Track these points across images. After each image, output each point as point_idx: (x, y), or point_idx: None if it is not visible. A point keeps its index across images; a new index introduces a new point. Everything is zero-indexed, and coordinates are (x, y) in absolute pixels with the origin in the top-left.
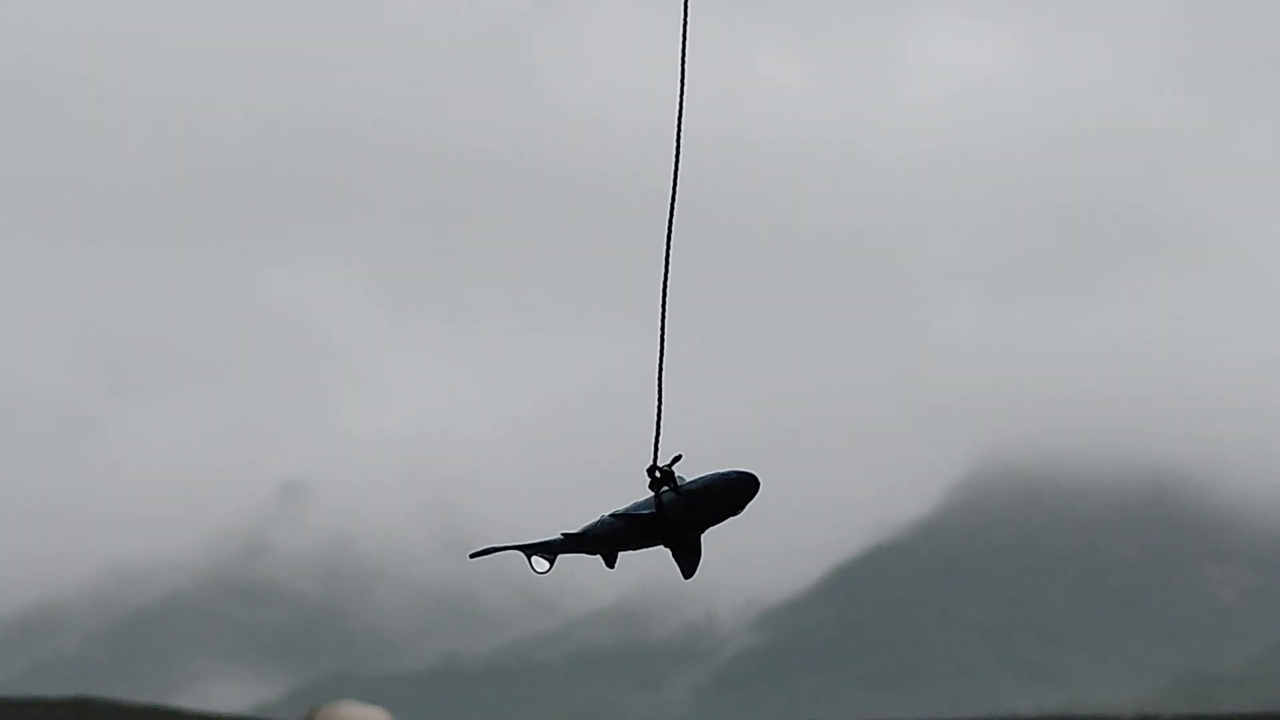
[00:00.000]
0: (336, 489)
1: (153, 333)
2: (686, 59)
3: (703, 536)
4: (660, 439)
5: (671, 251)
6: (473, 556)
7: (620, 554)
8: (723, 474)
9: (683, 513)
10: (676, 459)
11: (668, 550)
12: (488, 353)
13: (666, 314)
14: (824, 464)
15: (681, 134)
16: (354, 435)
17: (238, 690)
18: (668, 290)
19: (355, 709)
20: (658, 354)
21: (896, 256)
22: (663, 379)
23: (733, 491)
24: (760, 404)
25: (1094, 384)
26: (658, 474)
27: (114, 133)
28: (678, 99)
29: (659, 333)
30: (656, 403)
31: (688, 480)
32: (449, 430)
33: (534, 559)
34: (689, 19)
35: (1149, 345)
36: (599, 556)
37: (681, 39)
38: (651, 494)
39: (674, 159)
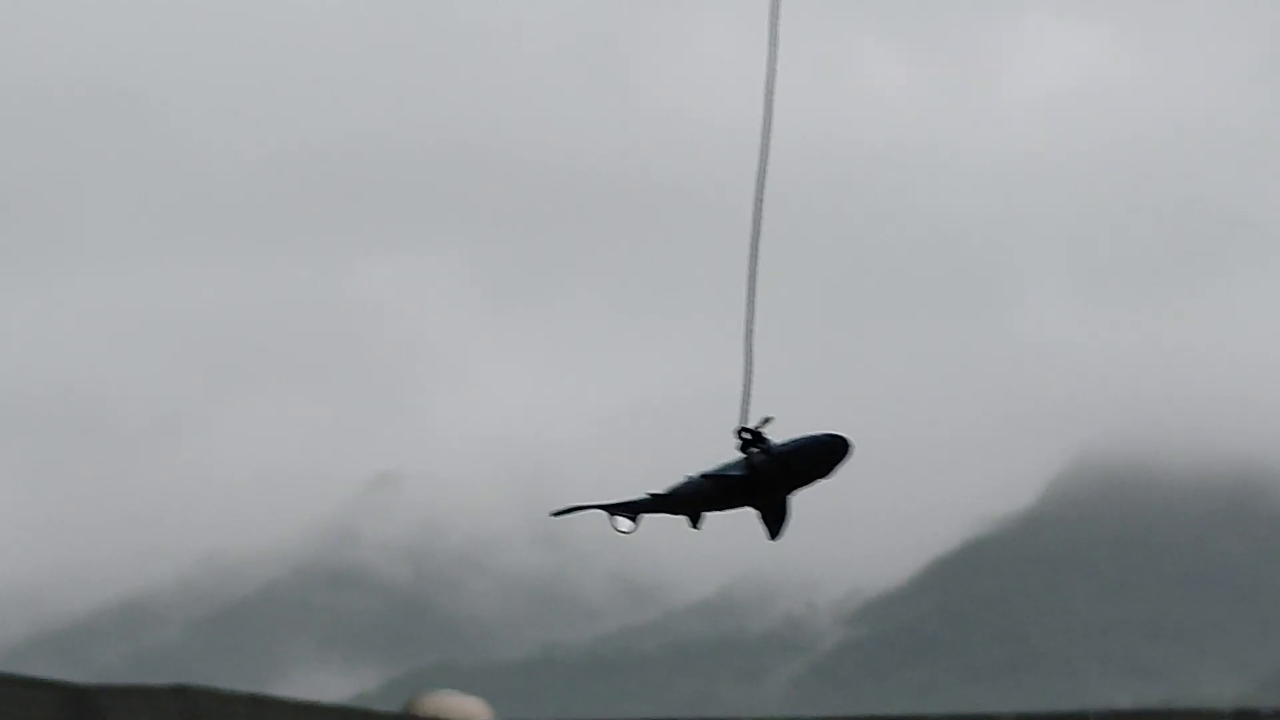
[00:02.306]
0: (430, 481)
1: (250, 330)
2: (778, 62)
3: (791, 501)
4: (749, 403)
5: (765, 251)
6: (555, 515)
7: (707, 519)
8: (814, 436)
9: (773, 474)
10: (767, 421)
11: (755, 511)
12: (578, 348)
13: (755, 298)
14: (923, 458)
15: (770, 136)
16: (447, 429)
17: (336, 679)
18: (757, 265)
19: (454, 699)
20: (745, 324)
21: (995, 255)
22: (751, 343)
23: (824, 454)
24: (860, 398)
25: (1192, 381)
26: (747, 435)
27: (214, 137)
28: (765, 102)
29: (747, 306)
30: (745, 365)
31: (778, 443)
32: (540, 424)
33: (617, 518)
34: (785, 23)
35: (1245, 343)
36: (684, 517)
37: (770, 45)
38: (740, 455)
39: (760, 159)
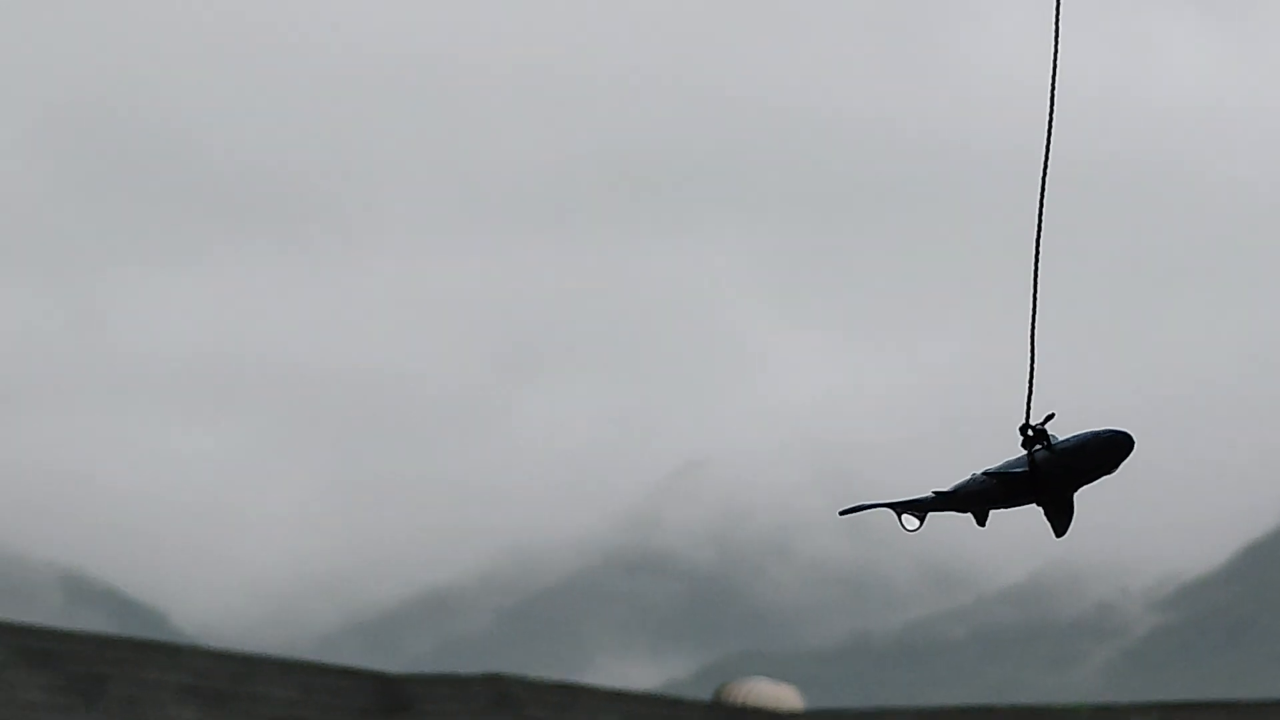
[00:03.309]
0: (732, 466)
1: (551, 317)
2: (1061, 34)
3: (1076, 495)
4: (1032, 397)
5: (1052, 224)
6: (842, 514)
7: (992, 513)
8: (1096, 432)
9: (1056, 471)
10: (1049, 418)
11: (1040, 508)
12: (876, 329)
13: (1038, 282)
14: (1235, 440)
15: (1053, 112)
16: (747, 413)
17: (645, 667)
18: (1040, 247)
19: (765, 686)
20: (1030, 310)
21: None
22: (1034, 335)
23: (1107, 450)
24: (1168, 381)
25: None
26: (1030, 432)
27: (510, 124)
28: (1050, 77)
29: (1032, 291)
30: (1029, 361)
31: (1060, 439)
32: (841, 407)
33: (904, 517)
34: None
35: None
36: (970, 515)
37: (1055, 19)
38: (1024, 453)
39: (1046, 134)
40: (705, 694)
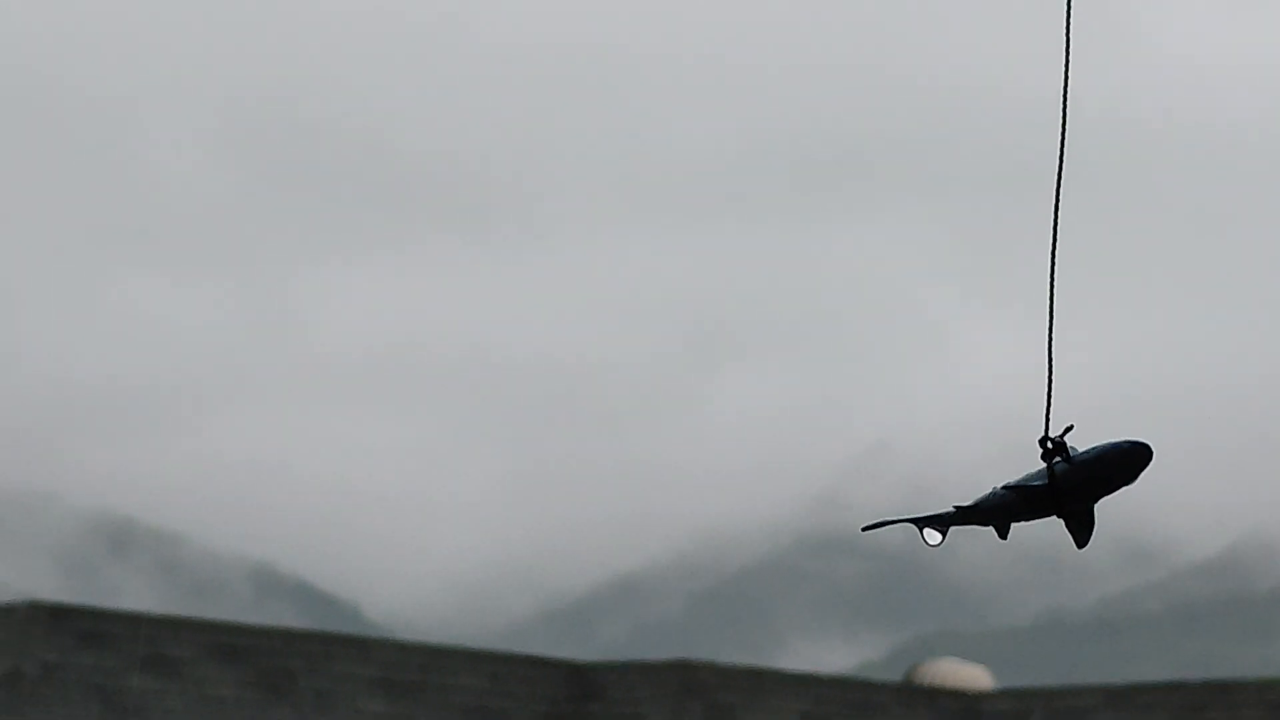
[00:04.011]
0: (919, 445)
1: (738, 301)
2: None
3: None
4: (1051, 410)
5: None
6: (865, 530)
7: (1013, 525)
8: (1115, 444)
9: (1075, 483)
10: (1068, 430)
11: (1060, 520)
12: (1062, 306)
13: (1054, 296)
14: None
15: (1068, 103)
16: (934, 392)
17: (838, 649)
18: (1056, 254)
19: (954, 666)
20: (1047, 322)
21: None
22: (1052, 350)
23: (1126, 461)
24: None
25: None
26: (1049, 445)
27: (696, 108)
28: (1064, 66)
29: (1048, 300)
30: (1047, 374)
31: (1079, 451)
32: (1028, 385)
33: (926, 531)
34: None
35: None
36: (991, 528)
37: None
38: (1043, 465)
39: (1061, 125)
40: (898, 675)
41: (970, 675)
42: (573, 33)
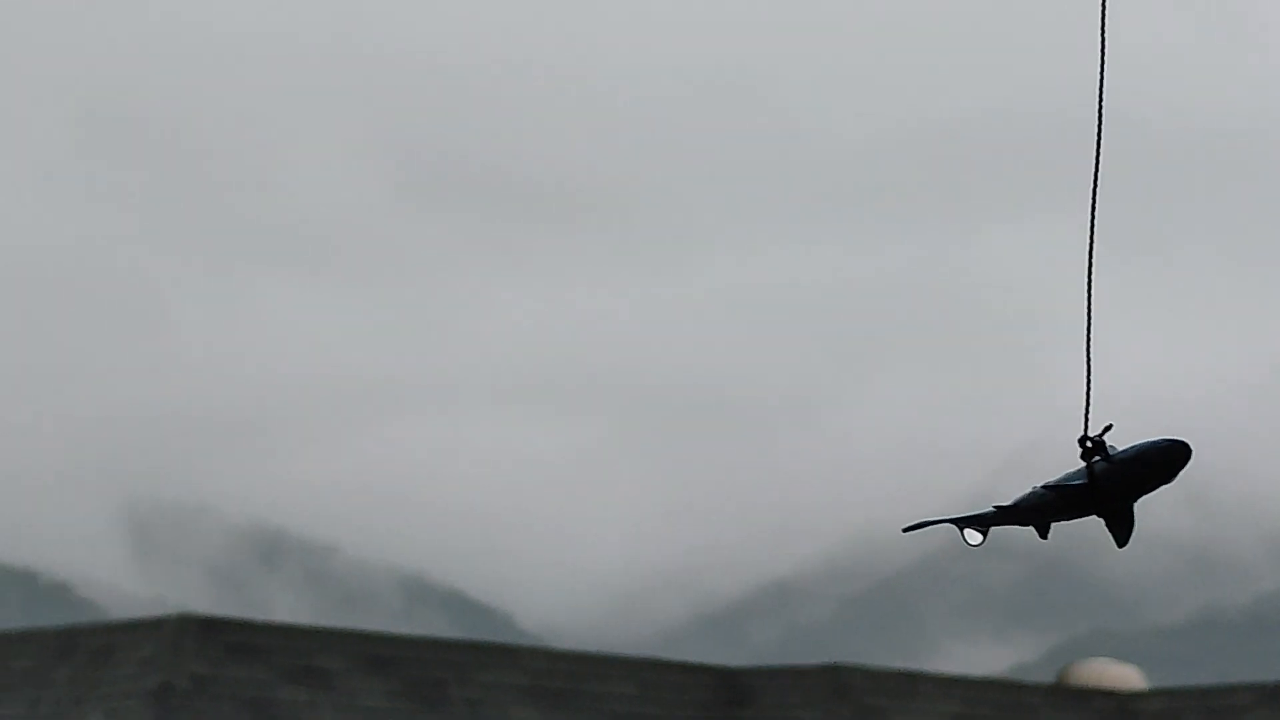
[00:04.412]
0: (1070, 446)
1: (880, 303)
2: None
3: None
4: (1090, 409)
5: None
6: (905, 531)
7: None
8: (1154, 442)
9: (1115, 482)
10: (1107, 428)
11: (1101, 519)
12: (1203, 312)
13: (1092, 291)
14: None
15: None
16: (1083, 394)
17: (991, 651)
18: (1093, 251)
19: (1106, 666)
20: (1085, 318)
21: None
22: (1090, 345)
23: (1165, 459)
24: None
25: None
26: (1089, 444)
27: (827, 114)
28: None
29: (1086, 296)
30: (1085, 371)
31: (1118, 450)
32: (1171, 387)
33: (967, 531)
34: None
35: None
36: (1032, 528)
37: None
38: (1082, 465)
39: (1098, 120)
40: (1052, 676)
41: (1122, 675)
42: (711, 45)
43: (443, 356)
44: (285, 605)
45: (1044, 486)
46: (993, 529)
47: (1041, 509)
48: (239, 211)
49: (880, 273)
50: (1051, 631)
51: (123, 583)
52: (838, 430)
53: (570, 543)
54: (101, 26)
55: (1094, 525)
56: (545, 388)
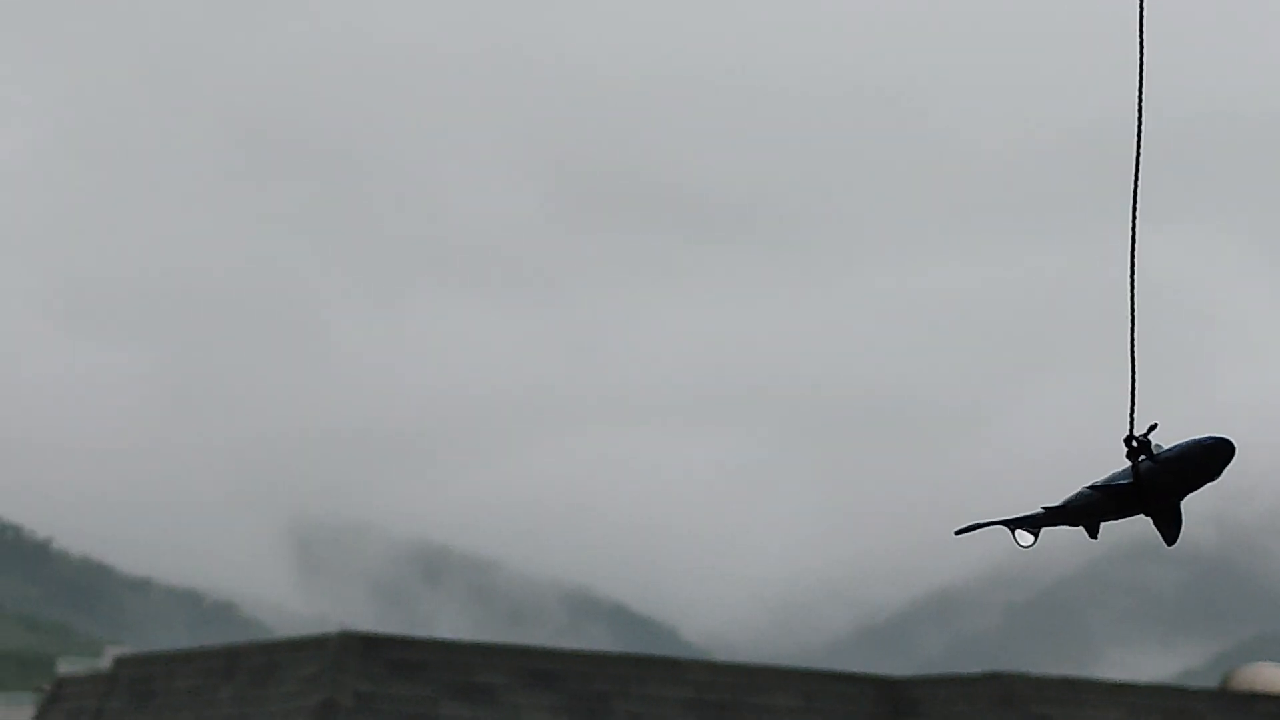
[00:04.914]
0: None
1: (1043, 311)
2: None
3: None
4: (1135, 409)
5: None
6: (958, 533)
7: (1102, 524)
8: (1199, 440)
9: (1161, 481)
10: (1152, 428)
11: (1148, 518)
12: None
13: (1136, 272)
14: None
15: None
16: (1245, 394)
17: (1157, 657)
18: (1136, 246)
19: (1272, 671)
20: (1129, 314)
21: None
22: (1134, 344)
23: (1209, 457)
24: None
25: None
26: (1134, 443)
27: (972, 125)
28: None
29: (1129, 293)
30: (1130, 372)
31: (1163, 449)
32: None
33: (1018, 533)
34: None
35: None
36: (1081, 528)
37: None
38: (1128, 464)
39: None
40: (1218, 682)
41: None
42: (868, 59)
43: (605, 371)
44: (448, 621)
45: (1090, 487)
46: (1043, 530)
47: (1089, 509)
48: (402, 230)
49: (1040, 279)
50: (1218, 638)
51: (287, 601)
52: (1000, 437)
53: (733, 555)
54: (267, 52)
55: (1259, 533)
56: (707, 401)
